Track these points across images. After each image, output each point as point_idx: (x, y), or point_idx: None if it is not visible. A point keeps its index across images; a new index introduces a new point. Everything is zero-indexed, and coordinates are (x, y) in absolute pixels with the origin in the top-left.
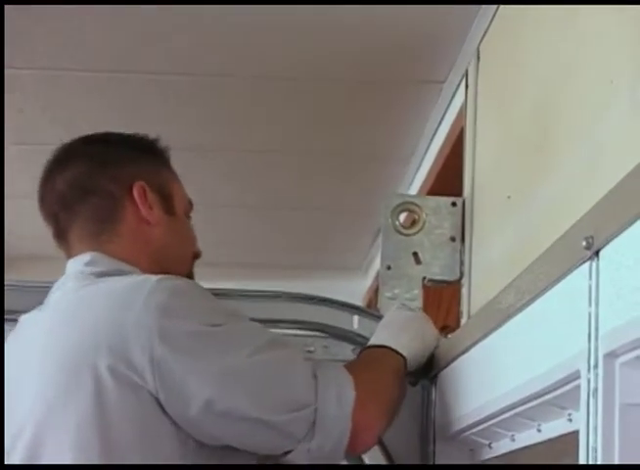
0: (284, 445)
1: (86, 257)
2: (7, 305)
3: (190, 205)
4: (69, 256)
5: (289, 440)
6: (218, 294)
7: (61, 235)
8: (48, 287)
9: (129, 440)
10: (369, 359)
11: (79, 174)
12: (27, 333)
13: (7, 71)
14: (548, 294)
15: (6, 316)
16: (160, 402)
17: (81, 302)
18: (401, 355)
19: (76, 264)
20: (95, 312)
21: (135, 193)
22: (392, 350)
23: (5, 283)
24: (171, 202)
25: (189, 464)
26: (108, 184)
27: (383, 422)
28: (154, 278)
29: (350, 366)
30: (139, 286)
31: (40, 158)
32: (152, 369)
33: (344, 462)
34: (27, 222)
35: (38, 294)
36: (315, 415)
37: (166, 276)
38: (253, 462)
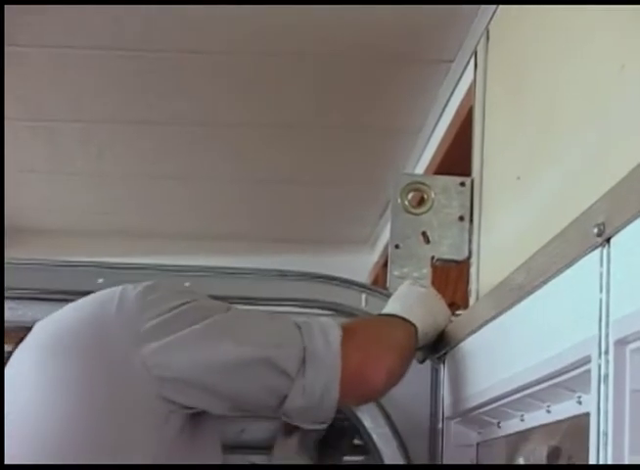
0: (279, 384)
1: None
2: (7, 283)
3: None
4: None
5: (282, 377)
6: (228, 273)
7: None
8: (48, 264)
9: (106, 420)
10: (376, 318)
11: None
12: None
13: (13, 49)
14: (560, 277)
15: (7, 294)
16: (153, 382)
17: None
18: (412, 324)
19: None
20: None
21: None
22: (405, 319)
23: (5, 261)
24: None
25: (183, 464)
26: None
27: (387, 360)
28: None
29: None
30: (112, 290)
31: (46, 133)
32: (141, 349)
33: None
34: (31, 195)
35: (38, 271)
36: (304, 353)
37: None
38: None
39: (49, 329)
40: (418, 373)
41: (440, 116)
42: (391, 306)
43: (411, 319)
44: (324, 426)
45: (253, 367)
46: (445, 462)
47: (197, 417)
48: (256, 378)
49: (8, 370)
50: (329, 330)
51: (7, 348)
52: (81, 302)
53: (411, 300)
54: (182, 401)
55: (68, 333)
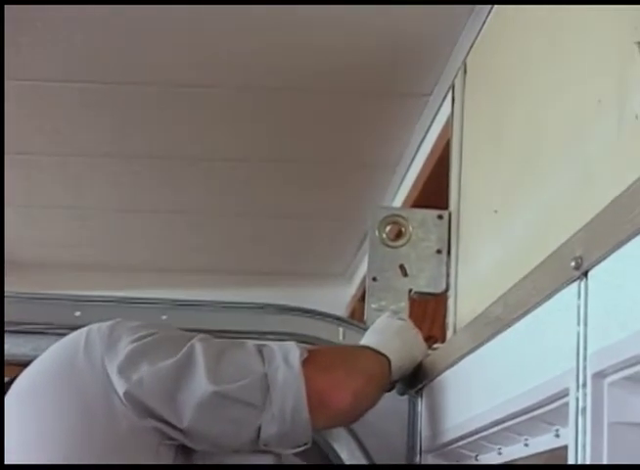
0: (248, 417)
1: None
2: (7, 317)
3: None
4: None
5: (249, 410)
6: (205, 306)
7: None
8: (25, 297)
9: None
10: (346, 345)
11: None
12: None
13: None
14: (537, 311)
15: (7, 328)
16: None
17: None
18: (385, 357)
19: None
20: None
21: None
22: (376, 351)
23: (5, 294)
24: None
25: (180, 464)
26: None
27: (352, 382)
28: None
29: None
30: (77, 334)
31: (23, 166)
32: (115, 386)
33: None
34: (7, 228)
35: (15, 304)
36: (267, 381)
37: None
38: None
39: (24, 382)
40: (395, 406)
41: (418, 149)
42: (367, 339)
43: (385, 352)
44: (306, 447)
45: (214, 404)
46: None
47: (186, 451)
48: (220, 414)
49: None
50: (289, 352)
51: None
52: (51, 350)
53: (387, 332)
54: (163, 432)
55: (43, 383)
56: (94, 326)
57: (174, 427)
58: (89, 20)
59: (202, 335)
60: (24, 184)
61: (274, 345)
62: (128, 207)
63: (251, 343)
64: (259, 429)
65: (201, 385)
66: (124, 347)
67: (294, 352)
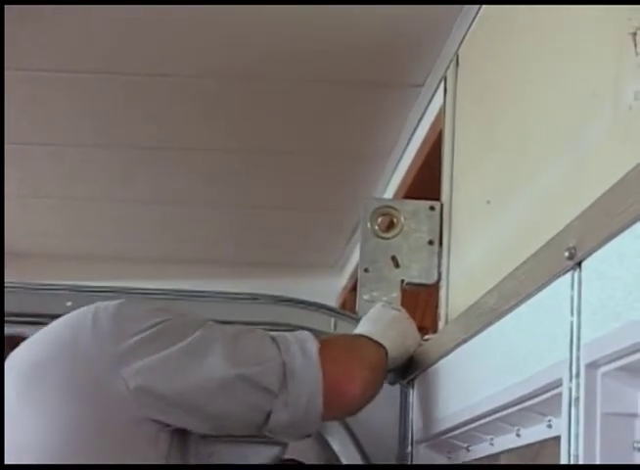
0: (261, 402)
1: None
2: (7, 308)
3: None
4: None
5: (264, 394)
6: (198, 296)
7: None
8: (16, 287)
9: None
10: (348, 335)
11: None
12: None
13: None
14: (531, 301)
15: (7, 319)
16: (136, 403)
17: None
18: (383, 347)
19: None
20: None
21: None
22: (374, 341)
23: (5, 284)
24: None
25: (181, 464)
26: None
27: (362, 374)
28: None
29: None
30: (83, 311)
31: (16, 156)
32: (122, 370)
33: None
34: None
35: (6, 294)
36: (284, 368)
37: None
38: None
39: (25, 359)
40: (387, 397)
41: (410, 140)
42: (363, 328)
43: (381, 341)
44: (307, 437)
45: (235, 386)
46: None
47: (182, 436)
48: (238, 397)
49: None
50: (305, 342)
51: None
52: (54, 326)
53: (383, 322)
54: (165, 420)
55: (46, 361)
56: (100, 306)
57: (184, 411)
58: (83, 10)
59: (211, 321)
60: (18, 174)
61: (287, 333)
62: (123, 197)
63: (260, 330)
64: (269, 415)
65: (219, 366)
66: (134, 335)
67: (310, 342)
